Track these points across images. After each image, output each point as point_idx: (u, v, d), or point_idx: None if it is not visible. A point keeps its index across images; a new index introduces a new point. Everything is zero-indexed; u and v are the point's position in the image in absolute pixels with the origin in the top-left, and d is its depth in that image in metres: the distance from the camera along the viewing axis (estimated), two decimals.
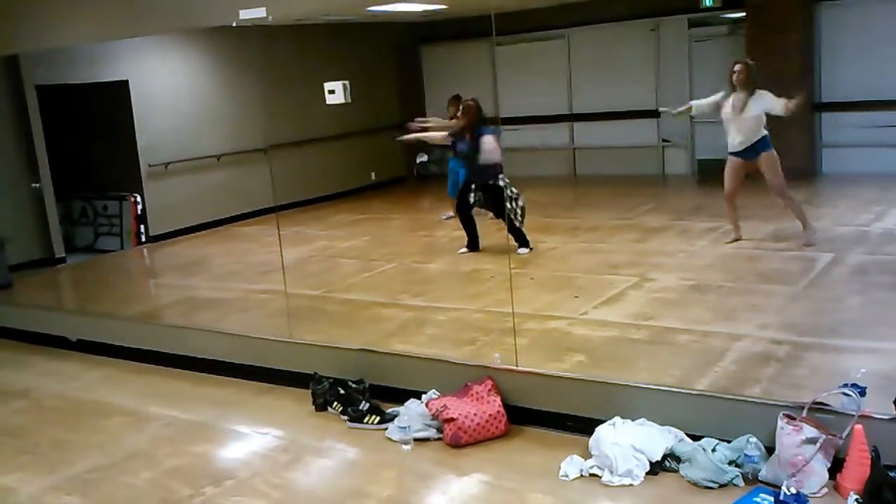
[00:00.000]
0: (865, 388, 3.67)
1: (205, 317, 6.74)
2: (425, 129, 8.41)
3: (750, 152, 7.14)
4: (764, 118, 7.06)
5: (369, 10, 10.15)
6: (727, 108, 7.11)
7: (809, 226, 7.26)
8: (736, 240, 7.39)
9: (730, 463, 3.73)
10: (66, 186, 9.76)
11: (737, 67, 7.08)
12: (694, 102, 7.53)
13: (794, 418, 3.70)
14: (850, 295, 5.85)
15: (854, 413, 3.61)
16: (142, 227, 10.16)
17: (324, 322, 6.30)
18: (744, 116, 7.03)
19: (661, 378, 4.44)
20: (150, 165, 10.12)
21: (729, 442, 3.82)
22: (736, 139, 7.15)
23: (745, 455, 3.72)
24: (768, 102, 6.99)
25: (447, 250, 7.49)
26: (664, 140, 11.70)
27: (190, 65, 10.79)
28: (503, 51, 12.35)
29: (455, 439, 4.31)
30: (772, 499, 3.49)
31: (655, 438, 3.92)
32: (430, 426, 4.46)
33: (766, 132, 7.12)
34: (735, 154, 7.22)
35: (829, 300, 5.81)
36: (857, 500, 3.39)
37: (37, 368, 6.38)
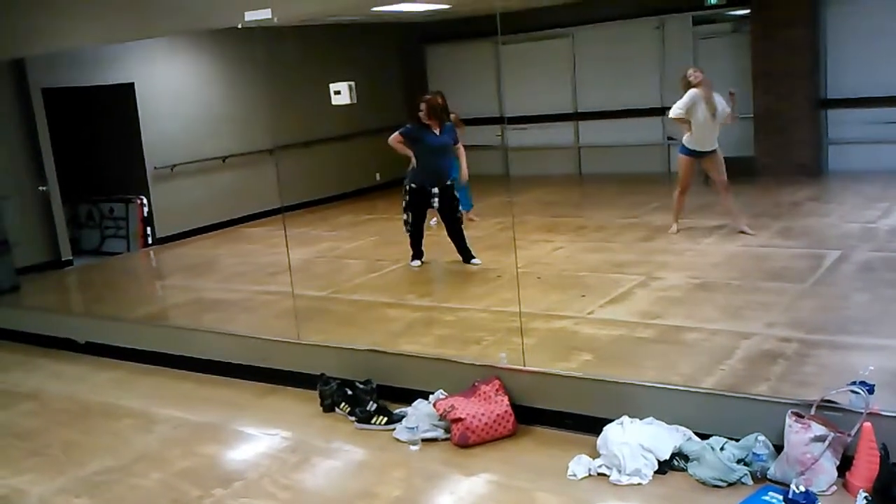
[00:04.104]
0: (874, 385, 3.67)
1: (212, 318, 6.75)
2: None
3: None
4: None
5: (374, 11, 10.16)
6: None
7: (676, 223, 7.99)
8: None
9: (738, 461, 3.73)
10: (72, 189, 9.78)
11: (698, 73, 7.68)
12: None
13: (802, 416, 3.70)
14: (857, 292, 5.83)
15: (862, 410, 3.61)
16: (148, 229, 10.18)
17: (331, 323, 6.31)
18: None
19: (668, 377, 4.44)
20: (155, 168, 10.14)
21: (737, 440, 3.82)
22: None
23: (754, 453, 3.72)
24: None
25: (453, 250, 7.48)
26: (669, 138, 11.67)
27: (195, 67, 10.81)
28: (508, 50, 12.36)
29: (463, 439, 4.31)
30: (780, 497, 3.49)
31: (663, 437, 3.92)
32: (437, 426, 4.46)
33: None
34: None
35: (837, 297, 5.80)
36: (866, 497, 3.38)
37: (45, 371, 6.40)
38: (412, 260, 7.60)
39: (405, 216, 7.51)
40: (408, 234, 7.56)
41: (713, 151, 7.70)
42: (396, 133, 7.38)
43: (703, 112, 7.52)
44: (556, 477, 3.91)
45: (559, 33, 12.26)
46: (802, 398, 3.85)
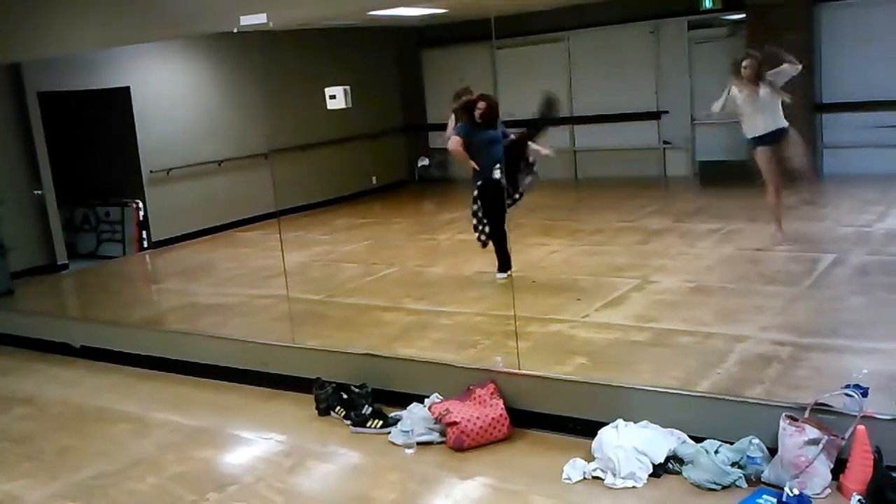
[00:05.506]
0: (868, 388, 3.68)
1: (207, 322, 6.76)
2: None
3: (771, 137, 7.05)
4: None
5: (370, 15, 10.17)
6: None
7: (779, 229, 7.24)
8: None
9: (732, 464, 3.73)
10: (68, 193, 9.78)
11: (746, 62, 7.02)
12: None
13: (796, 419, 3.71)
14: (852, 295, 5.85)
15: (856, 414, 3.62)
16: (144, 233, 10.17)
17: (326, 327, 6.31)
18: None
19: (663, 380, 4.45)
20: (151, 171, 10.14)
21: (731, 443, 3.83)
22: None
23: (748, 456, 3.73)
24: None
25: (449, 253, 7.49)
26: (665, 142, 11.71)
27: (191, 71, 10.81)
28: (503, 54, 12.35)
29: (458, 443, 4.31)
30: (774, 500, 3.49)
31: (658, 440, 3.93)
32: (432, 430, 4.46)
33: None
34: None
35: (832, 301, 5.82)
36: (859, 500, 3.39)
37: (40, 375, 6.39)
38: (498, 272, 6.85)
39: (476, 224, 6.88)
40: (481, 244, 6.91)
41: (784, 131, 7.03)
42: (454, 137, 6.82)
43: (746, 99, 7.02)
44: (551, 480, 3.92)
45: (555, 37, 12.28)
46: (796, 401, 3.86)
